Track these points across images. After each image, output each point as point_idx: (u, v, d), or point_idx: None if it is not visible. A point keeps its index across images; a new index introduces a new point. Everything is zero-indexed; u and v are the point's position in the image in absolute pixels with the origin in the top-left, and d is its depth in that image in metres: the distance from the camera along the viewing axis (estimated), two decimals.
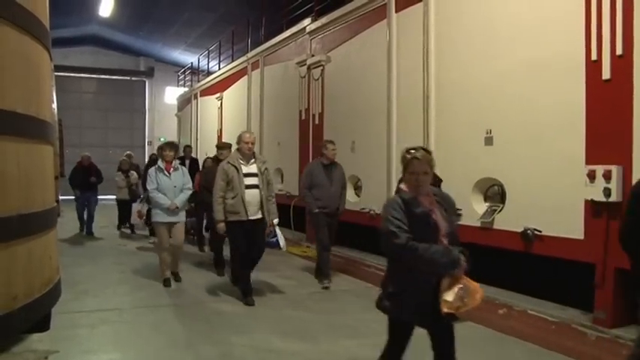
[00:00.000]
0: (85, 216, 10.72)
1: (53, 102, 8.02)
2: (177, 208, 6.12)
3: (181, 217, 6.35)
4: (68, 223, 11.03)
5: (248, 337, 4.54)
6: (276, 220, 5.79)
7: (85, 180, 10.46)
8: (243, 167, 5.55)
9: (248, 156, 5.62)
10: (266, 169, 5.75)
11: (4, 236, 2.04)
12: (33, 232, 2.27)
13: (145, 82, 24.18)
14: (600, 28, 4.33)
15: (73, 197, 10.82)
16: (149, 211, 8.85)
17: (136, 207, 9.90)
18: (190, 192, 6.40)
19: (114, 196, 11.30)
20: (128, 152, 12.25)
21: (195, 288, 6.30)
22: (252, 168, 5.62)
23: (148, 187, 6.22)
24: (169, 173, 6.24)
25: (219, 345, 4.32)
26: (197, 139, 17.41)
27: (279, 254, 7.03)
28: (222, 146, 7.25)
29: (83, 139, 21.73)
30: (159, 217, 6.17)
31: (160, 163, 6.30)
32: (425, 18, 6.39)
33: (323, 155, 6.61)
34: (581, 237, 4.44)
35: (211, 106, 15.74)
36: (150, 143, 23.50)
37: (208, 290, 6.18)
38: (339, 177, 6.66)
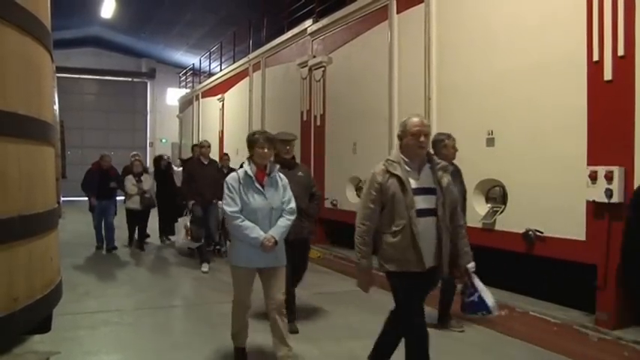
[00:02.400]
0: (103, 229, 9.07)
1: (55, 103, 7.98)
2: (275, 243, 3.63)
3: (281, 259, 3.78)
4: (70, 224, 11.03)
5: (250, 338, 4.52)
6: (472, 265, 3.36)
7: (104, 186, 8.83)
8: (411, 179, 3.12)
9: (420, 159, 3.20)
10: (448, 181, 3.24)
11: (5, 237, 2.04)
12: (34, 233, 2.27)
13: (146, 83, 24.25)
14: (602, 28, 4.32)
15: (88, 206, 8.98)
16: (191, 222, 7.28)
17: (182, 222, 7.77)
18: (294, 217, 3.82)
19: (120, 197, 9.81)
20: (136, 152, 10.24)
21: (196, 289, 6.30)
22: (427, 180, 3.18)
23: (227, 208, 3.65)
24: (263, 187, 3.70)
25: (221, 346, 4.31)
26: (198, 141, 17.43)
27: None
28: (288, 139, 4.80)
29: (85, 140, 21.84)
30: (241, 257, 3.70)
31: (246, 166, 3.74)
32: (426, 19, 6.39)
33: (437, 154, 4.29)
34: (583, 238, 4.44)
35: (213, 107, 15.75)
36: (151, 144, 23.55)
37: (209, 292, 6.17)
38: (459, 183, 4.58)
